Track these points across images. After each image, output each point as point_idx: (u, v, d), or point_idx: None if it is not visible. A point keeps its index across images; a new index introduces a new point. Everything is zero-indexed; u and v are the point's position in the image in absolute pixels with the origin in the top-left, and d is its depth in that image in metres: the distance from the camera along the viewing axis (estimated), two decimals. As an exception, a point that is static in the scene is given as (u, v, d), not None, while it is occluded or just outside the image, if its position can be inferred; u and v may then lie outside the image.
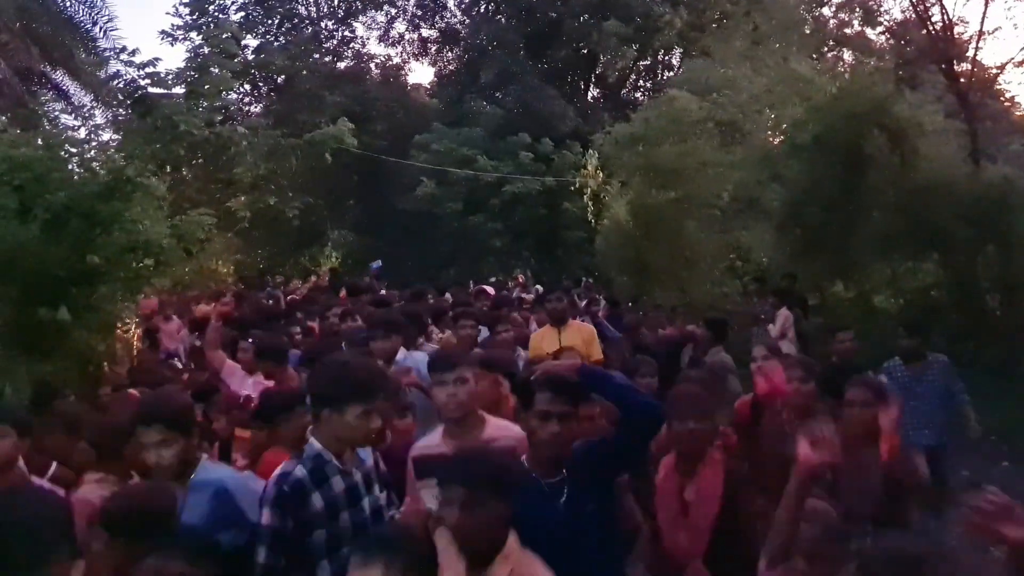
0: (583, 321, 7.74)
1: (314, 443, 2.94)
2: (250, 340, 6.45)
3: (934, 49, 13.06)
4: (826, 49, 20.93)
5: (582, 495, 3.00)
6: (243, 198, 20.29)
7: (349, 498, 2.98)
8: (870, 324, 11.50)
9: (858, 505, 3.40)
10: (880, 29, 20.73)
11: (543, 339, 6.50)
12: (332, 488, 2.94)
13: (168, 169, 11.74)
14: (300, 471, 2.89)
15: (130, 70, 12.97)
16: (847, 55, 20.68)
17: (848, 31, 23.64)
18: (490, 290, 12.99)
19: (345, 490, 2.97)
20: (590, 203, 16.23)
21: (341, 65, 28.89)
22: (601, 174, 15.81)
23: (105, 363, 7.98)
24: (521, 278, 17.81)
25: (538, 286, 16.81)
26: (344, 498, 2.96)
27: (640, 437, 3.14)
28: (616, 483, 3.26)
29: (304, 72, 26.39)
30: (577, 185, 17.45)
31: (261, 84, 27.01)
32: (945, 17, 12.61)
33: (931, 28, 12.86)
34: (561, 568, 2.71)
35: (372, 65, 29.81)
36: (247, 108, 26.75)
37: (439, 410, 3.57)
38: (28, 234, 7.02)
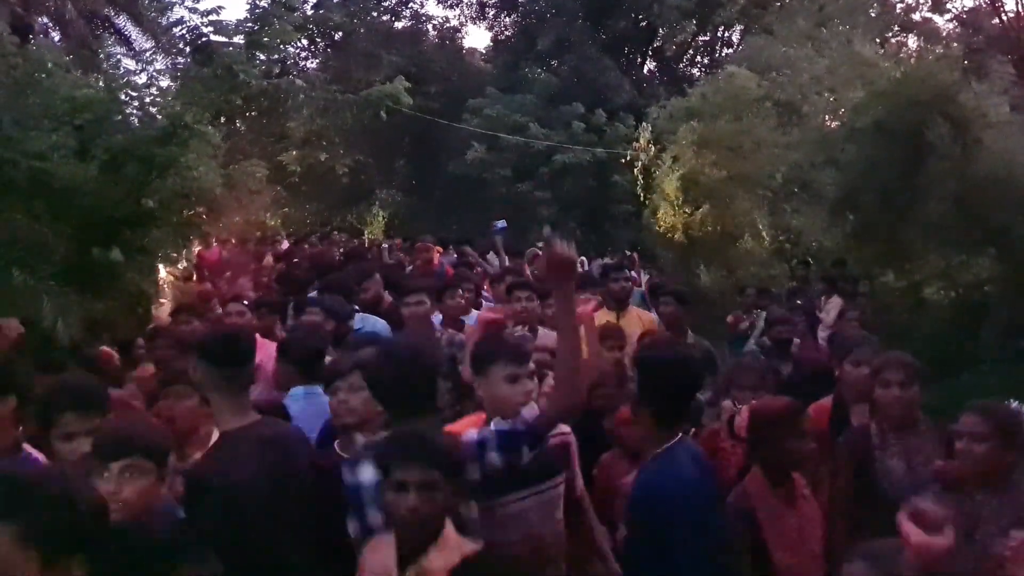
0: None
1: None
2: (244, 303, 6.56)
3: (1005, 39, 12.67)
4: (891, 34, 20.38)
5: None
6: (295, 152, 20.53)
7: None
8: (919, 316, 11.28)
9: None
10: (949, 16, 20.11)
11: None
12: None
13: (223, 119, 11.84)
14: None
15: (194, 17, 13.03)
16: (912, 41, 20.14)
17: (915, 16, 22.98)
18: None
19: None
20: (640, 177, 16.03)
21: (399, 25, 28.75)
22: (653, 148, 15.61)
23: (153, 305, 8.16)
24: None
25: (582, 258, 16.70)
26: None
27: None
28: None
29: (362, 30, 26.34)
30: (628, 158, 17.25)
31: (318, 40, 27.02)
32: (1019, 6, 12.22)
33: (1003, 17, 12.46)
34: None
35: (429, 26, 29.64)
36: (303, 63, 26.83)
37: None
38: (86, 174, 7.14)
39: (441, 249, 10.00)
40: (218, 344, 3.11)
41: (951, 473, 3.18)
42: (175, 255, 9.13)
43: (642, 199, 16.07)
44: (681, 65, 29.51)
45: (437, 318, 5.94)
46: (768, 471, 3.32)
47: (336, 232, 19.79)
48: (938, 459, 3.52)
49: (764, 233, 14.19)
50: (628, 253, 16.88)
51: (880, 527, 3.44)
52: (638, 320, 6.04)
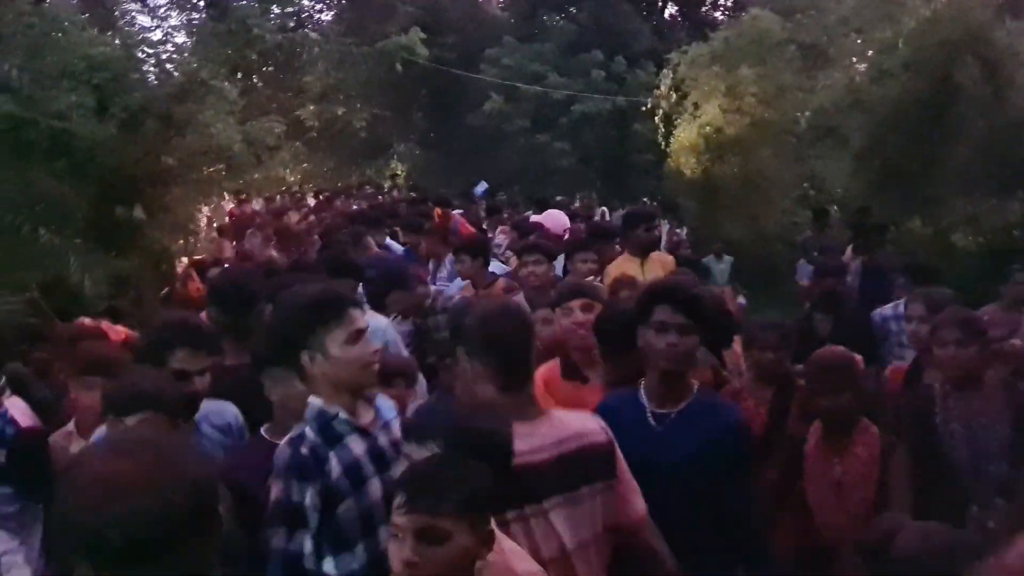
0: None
1: (313, 400, 2.43)
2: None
3: (1042, -27, 12.37)
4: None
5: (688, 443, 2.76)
6: (312, 107, 20.50)
7: (377, 463, 2.45)
8: (946, 263, 11.22)
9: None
10: (983, -50, 19.58)
11: (623, 270, 5.83)
12: (350, 450, 2.41)
13: (240, 75, 11.87)
14: (310, 432, 2.39)
15: (206, -31, 13.01)
16: (944, -23, 19.65)
17: (947, -49, 22.41)
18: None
19: (368, 452, 2.45)
20: (661, 125, 15.87)
21: (414, -27, 28.43)
22: (675, 95, 15.41)
23: (179, 260, 8.31)
24: (585, 201, 17.51)
25: (603, 208, 16.66)
26: (370, 462, 2.44)
27: None
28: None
29: (376, -21, 26.09)
30: (649, 106, 17.07)
31: (333, -10, 26.84)
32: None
33: (1041, -50, 12.16)
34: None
35: (445, -26, 29.26)
36: (318, 16, 26.67)
37: None
38: (105, 133, 7.24)
39: (440, 211, 9.62)
40: (225, 290, 3.62)
41: None
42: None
43: (663, 148, 15.91)
44: (703, 8, 29.02)
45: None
46: (827, 429, 3.37)
47: (364, 187, 19.78)
48: (1002, 422, 3.45)
49: (787, 180, 14.06)
50: (647, 203, 16.86)
51: (940, 491, 3.38)
52: (660, 266, 6.00)
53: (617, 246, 6.63)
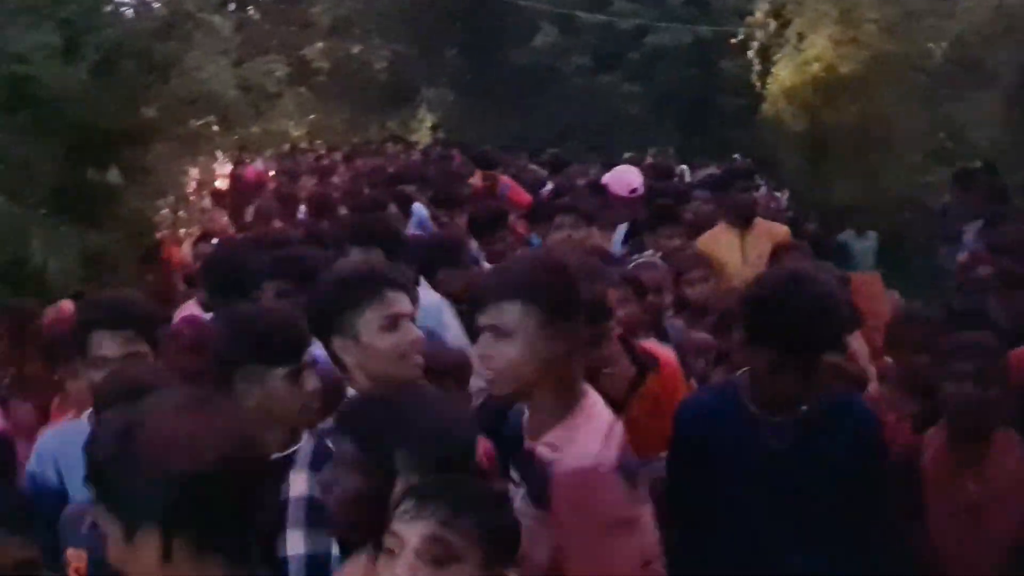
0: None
1: (350, 390, 2.63)
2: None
3: None
4: None
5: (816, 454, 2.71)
6: (321, 45, 20.68)
7: None
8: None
9: None
10: None
11: (718, 244, 5.81)
12: None
13: (233, 6, 12.03)
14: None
15: None
16: None
17: None
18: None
19: None
20: (756, 61, 15.76)
21: None
22: (773, 23, 15.29)
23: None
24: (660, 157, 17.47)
25: (684, 166, 16.63)
26: None
27: None
28: None
29: None
30: (740, 37, 16.95)
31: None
32: None
33: None
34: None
35: None
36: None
37: None
38: (75, 78, 7.34)
39: (483, 174, 9.55)
40: (217, 268, 3.83)
41: None
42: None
43: (759, 90, 15.81)
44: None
45: None
46: (955, 432, 3.18)
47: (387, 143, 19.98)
48: None
49: (917, 129, 13.90)
50: (738, 159, 16.77)
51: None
52: (767, 238, 5.81)
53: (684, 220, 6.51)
